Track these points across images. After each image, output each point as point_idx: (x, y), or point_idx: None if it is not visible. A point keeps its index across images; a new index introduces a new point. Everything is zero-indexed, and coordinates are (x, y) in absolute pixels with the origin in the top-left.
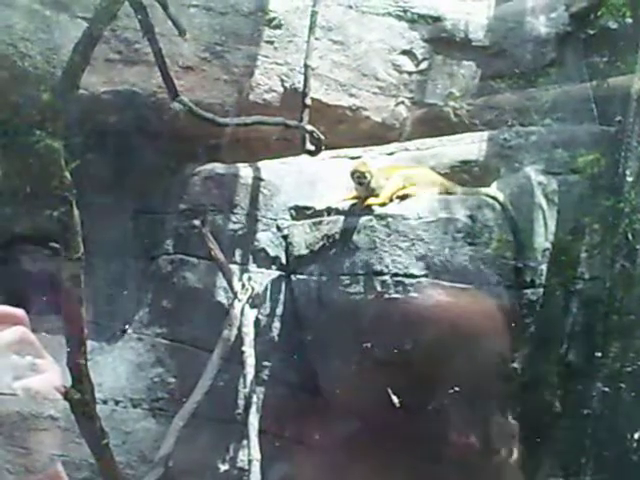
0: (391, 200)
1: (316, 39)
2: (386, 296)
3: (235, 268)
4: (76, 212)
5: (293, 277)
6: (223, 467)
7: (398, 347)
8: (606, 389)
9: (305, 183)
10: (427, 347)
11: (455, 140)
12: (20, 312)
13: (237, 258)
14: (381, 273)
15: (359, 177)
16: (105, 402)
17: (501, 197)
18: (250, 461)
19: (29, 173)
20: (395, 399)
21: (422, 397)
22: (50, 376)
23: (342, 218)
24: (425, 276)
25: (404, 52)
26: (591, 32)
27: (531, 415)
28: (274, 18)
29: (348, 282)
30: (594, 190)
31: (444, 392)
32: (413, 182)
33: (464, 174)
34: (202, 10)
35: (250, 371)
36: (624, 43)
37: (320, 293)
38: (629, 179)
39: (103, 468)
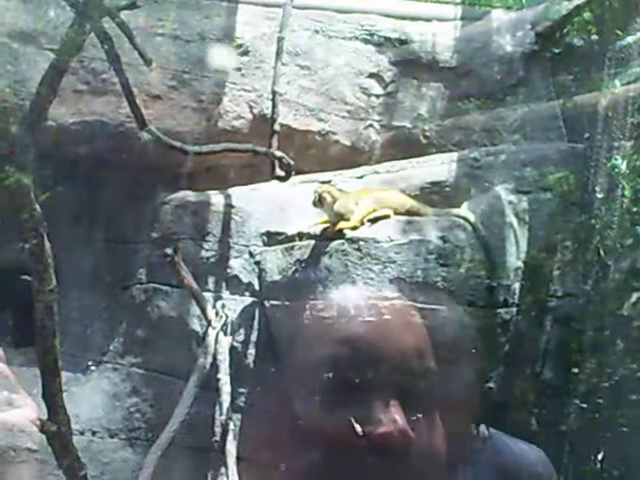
0: (362, 224)
1: (283, 65)
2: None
3: (208, 296)
4: (48, 244)
5: (267, 303)
6: None
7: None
8: (582, 406)
9: (276, 209)
10: (402, 369)
11: (424, 161)
12: None
13: (210, 286)
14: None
15: (314, 193)
16: (82, 433)
17: (472, 217)
18: None
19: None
20: (358, 428)
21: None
22: (26, 410)
23: (314, 243)
24: (398, 298)
25: (371, 75)
26: (557, 50)
27: (507, 434)
28: (241, 45)
29: (322, 307)
30: (565, 207)
31: (420, 413)
32: (383, 205)
33: (434, 195)
34: (169, 38)
35: (226, 398)
36: (590, 60)
37: (294, 318)
38: (599, 195)
39: None
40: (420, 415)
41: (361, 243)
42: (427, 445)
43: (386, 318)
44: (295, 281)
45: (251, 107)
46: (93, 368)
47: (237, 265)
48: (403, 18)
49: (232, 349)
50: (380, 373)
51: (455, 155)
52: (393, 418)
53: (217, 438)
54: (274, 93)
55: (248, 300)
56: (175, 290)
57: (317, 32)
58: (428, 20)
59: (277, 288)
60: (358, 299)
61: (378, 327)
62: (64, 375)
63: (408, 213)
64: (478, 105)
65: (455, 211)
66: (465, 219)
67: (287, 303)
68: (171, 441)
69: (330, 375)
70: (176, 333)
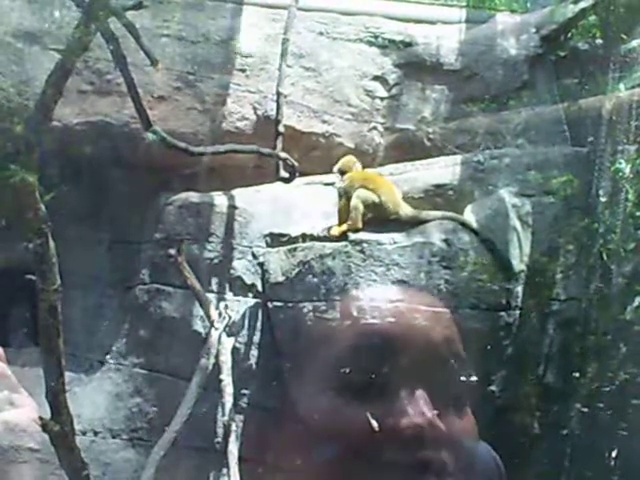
0: (364, 224)
1: (288, 66)
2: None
3: (211, 296)
4: (52, 244)
5: (269, 304)
6: None
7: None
8: (584, 409)
9: (280, 210)
10: (405, 371)
11: (428, 164)
12: None
13: (213, 286)
14: (357, 299)
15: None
16: (84, 433)
17: (473, 223)
18: None
19: (4, 206)
20: (374, 423)
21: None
22: (27, 410)
23: (317, 244)
24: (401, 301)
25: (376, 78)
26: (562, 54)
27: (509, 437)
28: (246, 46)
29: (324, 308)
30: (568, 211)
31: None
32: (372, 209)
33: (438, 198)
34: (174, 40)
35: (228, 399)
36: (595, 64)
37: (296, 320)
38: (603, 199)
39: None
40: (449, 407)
41: (364, 245)
42: (457, 437)
43: (412, 310)
44: (298, 282)
45: (255, 108)
46: (96, 368)
47: (240, 266)
48: (408, 21)
49: (235, 350)
50: (409, 365)
51: (459, 158)
52: (422, 410)
53: (219, 439)
54: (278, 95)
55: (251, 301)
56: (178, 291)
57: (322, 34)
58: (433, 23)
59: (280, 289)
60: (384, 294)
61: (405, 319)
62: (67, 375)
63: (404, 218)
64: (482, 108)
65: (455, 216)
66: (465, 224)
67: (290, 304)
68: (173, 441)
69: (357, 369)
70: (179, 334)
